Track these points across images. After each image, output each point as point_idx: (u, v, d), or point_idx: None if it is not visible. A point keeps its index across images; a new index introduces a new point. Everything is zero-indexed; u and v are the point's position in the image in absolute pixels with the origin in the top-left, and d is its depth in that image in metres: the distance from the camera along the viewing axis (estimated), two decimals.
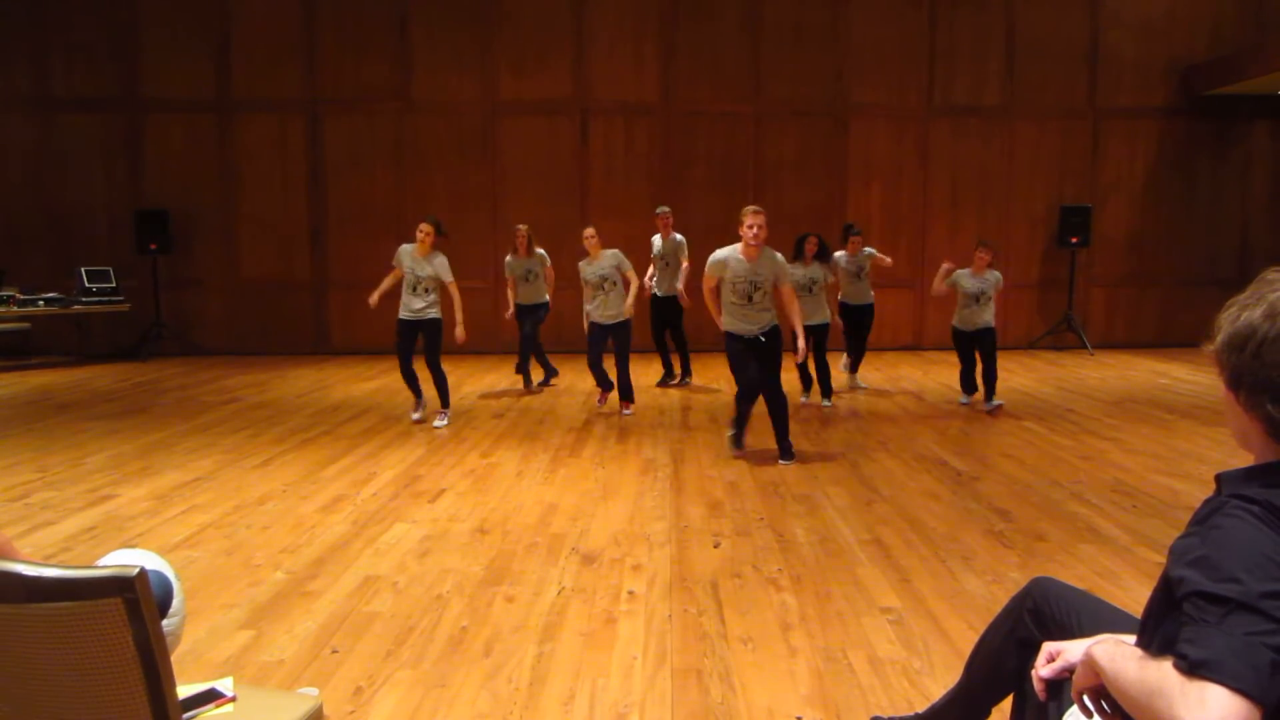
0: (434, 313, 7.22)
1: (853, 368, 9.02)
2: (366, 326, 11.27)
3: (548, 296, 8.81)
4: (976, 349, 7.88)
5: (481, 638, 3.39)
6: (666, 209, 8.93)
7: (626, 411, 7.71)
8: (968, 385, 8.20)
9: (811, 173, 12.13)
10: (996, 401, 7.86)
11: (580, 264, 7.80)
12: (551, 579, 3.98)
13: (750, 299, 5.93)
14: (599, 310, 7.67)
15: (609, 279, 7.60)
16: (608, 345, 7.75)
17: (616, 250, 7.75)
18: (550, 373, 9.22)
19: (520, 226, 8.67)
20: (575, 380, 9.42)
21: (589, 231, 7.78)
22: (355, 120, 11.88)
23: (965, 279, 7.79)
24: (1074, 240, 11.84)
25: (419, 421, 7.40)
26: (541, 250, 8.70)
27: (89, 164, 11.82)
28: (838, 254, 8.48)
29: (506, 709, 2.87)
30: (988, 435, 7.00)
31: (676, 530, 4.67)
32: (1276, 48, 10.87)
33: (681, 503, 5.17)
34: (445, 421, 7.34)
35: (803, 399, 8.12)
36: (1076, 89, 12.23)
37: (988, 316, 7.78)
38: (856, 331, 8.72)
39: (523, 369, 9.08)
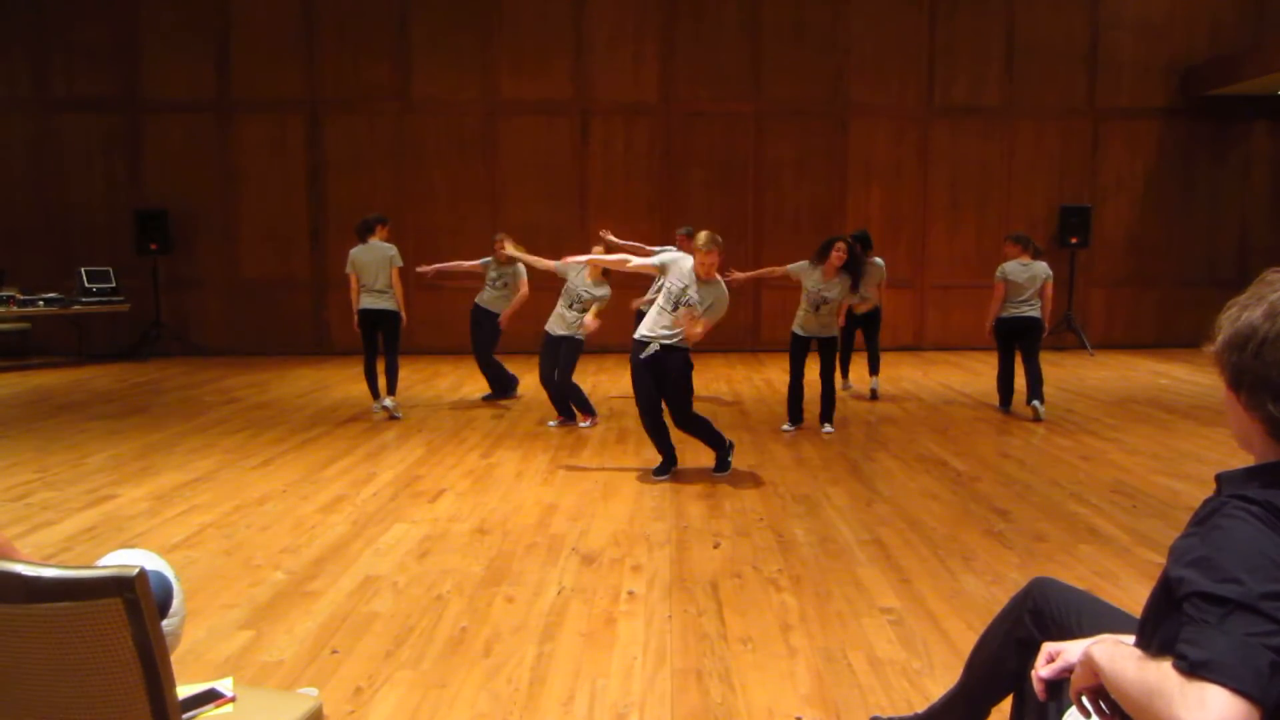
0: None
1: (873, 369, 8.62)
2: None
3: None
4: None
5: (481, 638, 3.39)
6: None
7: (584, 424, 7.37)
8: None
9: (811, 173, 12.14)
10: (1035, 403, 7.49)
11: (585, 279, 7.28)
12: (551, 579, 3.98)
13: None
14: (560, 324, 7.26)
15: (587, 299, 7.17)
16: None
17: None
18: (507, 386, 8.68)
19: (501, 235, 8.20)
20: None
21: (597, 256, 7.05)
22: (355, 120, 11.88)
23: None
24: (1073, 240, 11.85)
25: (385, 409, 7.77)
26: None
27: (89, 164, 11.82)
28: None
29: (506, 709, 2.87)
30: (987, 436, 7.00)
31: (676, 530, 4.67)
32: (1275, 48, 10.87)
33: (681, 503, 5.17)
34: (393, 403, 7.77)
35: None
36: (1076, 89, 12.23)
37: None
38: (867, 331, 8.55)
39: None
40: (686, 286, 5.52)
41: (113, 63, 11.72)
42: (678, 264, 5.61)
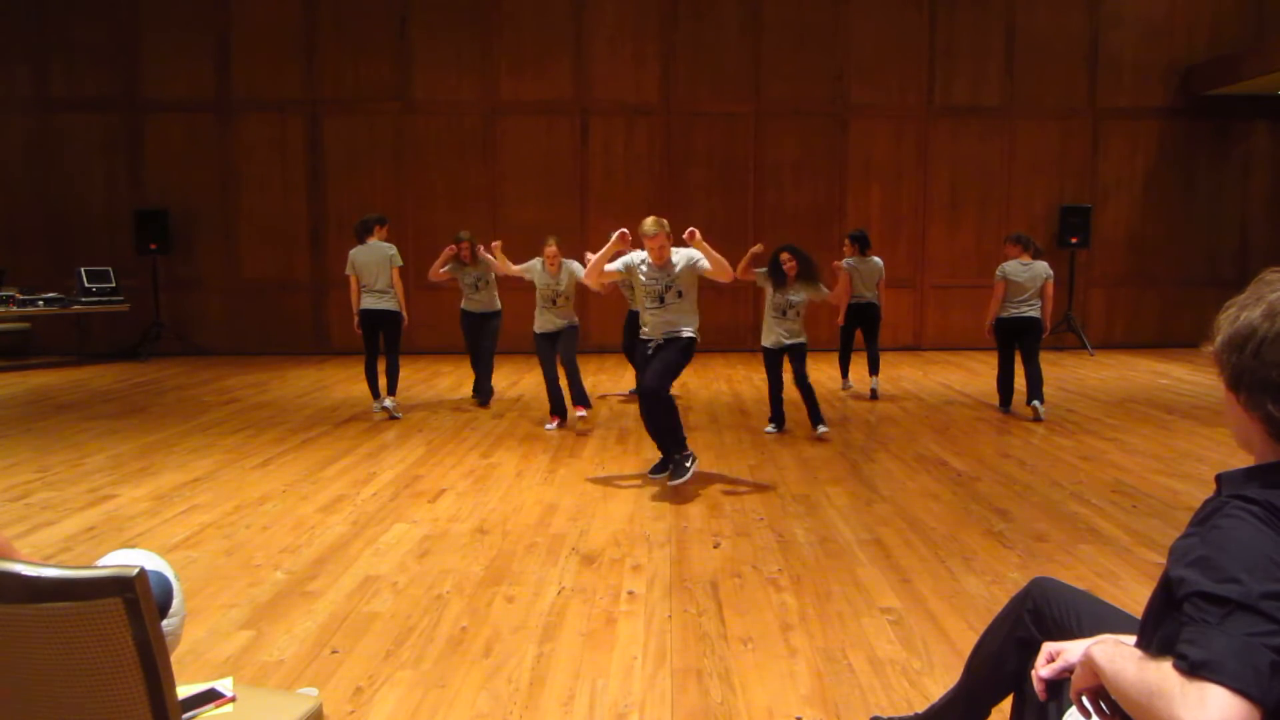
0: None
1: (872, 369, 8.60)
2: None
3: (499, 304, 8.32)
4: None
5: (481, 638, 3.39)
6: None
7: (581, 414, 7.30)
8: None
9: (811, 173, 12.14)
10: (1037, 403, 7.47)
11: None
12: (551, 579, 3.98)
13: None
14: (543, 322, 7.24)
15: (562, 294, 7.17)
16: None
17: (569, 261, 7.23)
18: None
19: (464, 232, 8.20)
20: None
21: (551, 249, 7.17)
22: (355, 120, 11.89)
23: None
24: (1074, 240, 11.85)
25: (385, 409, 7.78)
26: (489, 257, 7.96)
27: (89, 164, 11.82)
28: (847, 260, 8.41)
29: (506, 709, 2.87)
30: (987, 436, 7.00)
31: (676, 530, 4.67)
32: (1276, 48, 10.88)
33: (681, 503, 5.17)
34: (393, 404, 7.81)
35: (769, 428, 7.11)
36: (1076, 89, 12.24)
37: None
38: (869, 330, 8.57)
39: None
40: (656, 278, 5.52)
41: (113, 63, 11.72)
42: (631, 262, 5.61)
